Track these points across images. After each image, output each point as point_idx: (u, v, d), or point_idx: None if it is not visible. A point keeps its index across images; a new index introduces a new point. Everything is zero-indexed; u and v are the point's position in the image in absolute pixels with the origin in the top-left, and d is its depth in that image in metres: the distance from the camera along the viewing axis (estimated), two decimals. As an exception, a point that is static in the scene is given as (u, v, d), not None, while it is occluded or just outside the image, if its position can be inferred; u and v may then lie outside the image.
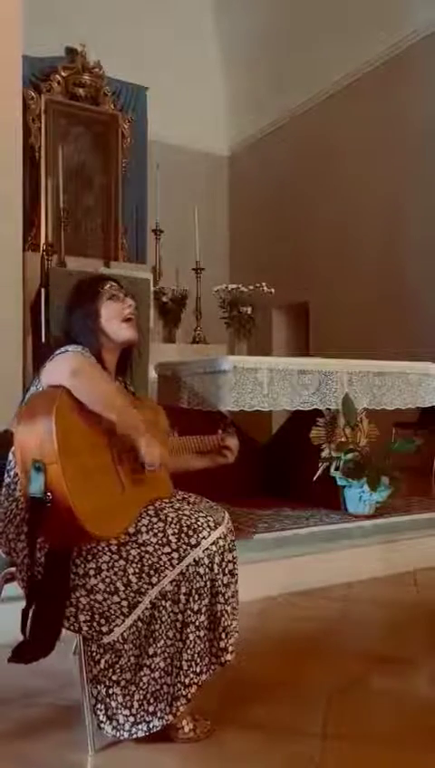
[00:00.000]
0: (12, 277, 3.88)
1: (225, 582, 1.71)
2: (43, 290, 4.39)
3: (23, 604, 1.56)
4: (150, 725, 1.63)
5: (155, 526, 1.68)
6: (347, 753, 1.67)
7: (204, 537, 1.68)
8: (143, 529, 1.68)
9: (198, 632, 1.66)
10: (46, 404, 1.54)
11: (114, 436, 1.69)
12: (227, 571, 1.72)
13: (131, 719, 1.63)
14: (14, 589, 1.75)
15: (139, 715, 1.63)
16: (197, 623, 1.66)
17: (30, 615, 1.53)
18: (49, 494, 1.47)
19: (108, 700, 1.63)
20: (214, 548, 1.69)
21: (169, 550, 1.65)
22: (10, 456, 1.67)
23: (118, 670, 1.63)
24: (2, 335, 3.71)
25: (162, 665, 1.64)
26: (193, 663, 1.65)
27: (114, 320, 1.83)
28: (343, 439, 3.59)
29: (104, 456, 1.66)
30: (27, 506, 1.54)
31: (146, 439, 1.71)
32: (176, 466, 1.95)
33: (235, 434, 2.06)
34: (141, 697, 1.63)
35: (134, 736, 1.63)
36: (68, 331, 1.83)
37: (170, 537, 1.67)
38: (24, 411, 1.58)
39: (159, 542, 1.66)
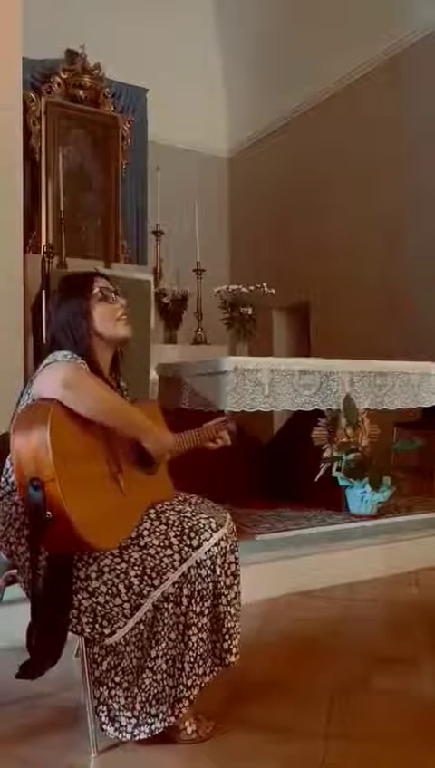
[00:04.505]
0: (13, 278, 3.88)
1: (227, 584, 1.71)
2: (43, 291, 4.40)
3: (24, 607, 1.56)
4: (153, 727, 1.63)
5: (157, 529, 1.68)
6: (350, 753, 1.67)
7: (206, 539, 1.68)
8: (145, 532, 1.67)
9: (200, 634, 1.66)
10: (40, 416, 1.50)
11: (112, 441, 1.67)
12: (229, 573, 1.72)
13: (134, 721, 1.63)
14: (15, 591, 1.75)
15: (141, 717, 1.63)
16: (199, 625, 1.66)
17: (35, 631, 1.52)
18: (49, 512, 1.44)
19: (110, 702, 1.63)
20: (216, 549, 1.69)
21: (171, 552, 1.65)
22: (7, 464, 1.65)
23: (120, 672, 1.63)
24: (2, 336, 3.71)
25: (164, 667, 1.64)
26: (195, 665, 1.65)
27: (108, 320, 1.78)
28: (344, 440, 3.59)
29: (102, 462, 1.65)
30: (27, 517, 1.53)
31: (154, 436, 1.71)
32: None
33: (231, 421, 2.07)
34: (144, 699, 1.63)
35: (136, 738, 1.63)
36: (55, 332, 1.75)
37: (172, 539, 1.67)
38: (19, 422, 1.54)
39: (161, 544, 1.66)
